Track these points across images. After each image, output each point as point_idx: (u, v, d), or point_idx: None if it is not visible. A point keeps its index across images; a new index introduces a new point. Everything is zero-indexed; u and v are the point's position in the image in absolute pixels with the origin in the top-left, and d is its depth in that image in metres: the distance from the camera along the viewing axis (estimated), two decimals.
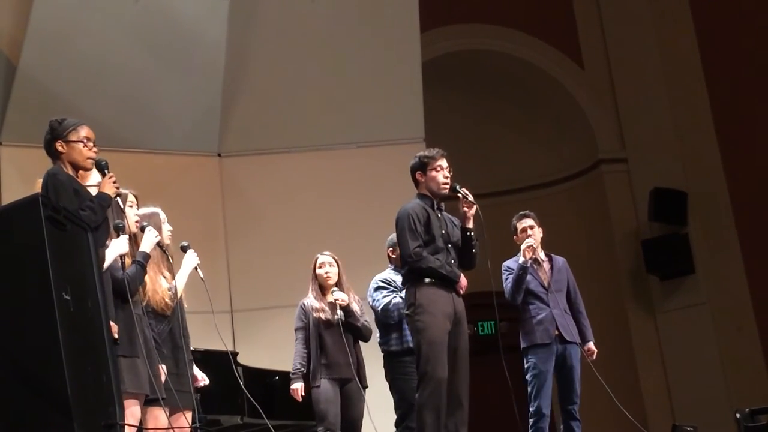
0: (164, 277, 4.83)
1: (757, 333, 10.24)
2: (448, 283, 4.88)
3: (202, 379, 5.20)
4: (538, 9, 11.36)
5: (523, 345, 5.79)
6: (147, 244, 4.58)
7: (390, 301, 5.70)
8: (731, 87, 10.70)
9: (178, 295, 4.85)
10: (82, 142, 4.14)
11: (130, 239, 4.45)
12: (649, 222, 10.78)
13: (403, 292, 5.61)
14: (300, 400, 5.58)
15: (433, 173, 4.99)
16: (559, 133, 11.46)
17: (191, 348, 5.14)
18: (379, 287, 5.80)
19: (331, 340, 5.59)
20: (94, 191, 4.14)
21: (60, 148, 4.12)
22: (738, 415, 6.53)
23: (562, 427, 5.72)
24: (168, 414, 4.56)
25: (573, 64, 11.40)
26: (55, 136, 4.14)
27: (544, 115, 11.48)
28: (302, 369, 5.59)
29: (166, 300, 4.74)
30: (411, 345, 5.54)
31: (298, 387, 5.57)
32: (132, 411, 4.21)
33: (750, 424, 6.39)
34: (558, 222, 11.05)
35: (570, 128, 11.41)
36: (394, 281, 5.77)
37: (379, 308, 5.73)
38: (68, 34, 8.27)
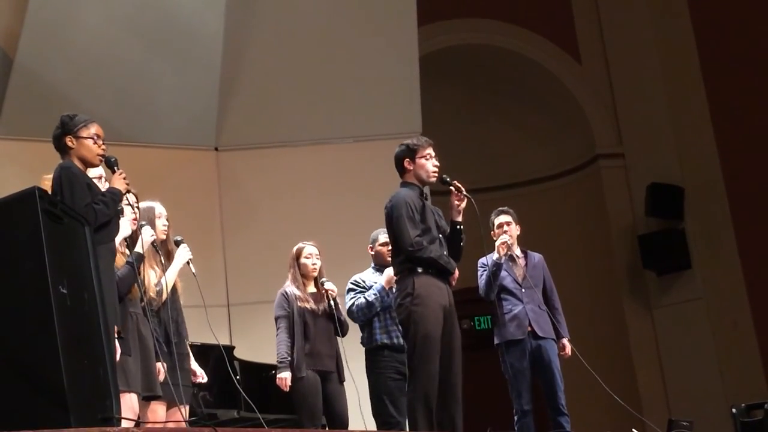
0: (154, 272, 4.82)
1: (753, 328, 10.25)
2: (444, 274, 4.79)
3: (201, 375, 5.18)
4: (536, 3, 11.35)
5: (496, 341, 5.80)
6: (141, 244, 4.59)
7: (353, 303, 5.72)
8: (728, 82, 10.69)
9: (166, 290, 4.84)
10: (92, 138, 4.18)
11: (126, 240, 4.47)
12: (646, 217, 10.78)
13: (368, 291, 5.63)
14: (287, 390, 5.43)
15: (422, 161, 4.87)
16: (557, 128, 11.46)
17: (189, 342, 5.14)
18: (350, 289, 5.82)
19: (315, 330, 5.53)
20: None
21: (70, 144, 4.16)
22: (734, 410, 6.54)
23: (551, 423, 5.72)
24: (165, 408, 4.56)
25: (570, 59, 11.40)
26: (65, 131, 4.18)
27: (541, 110, 11.47)
28: (288, 358, 5.46)
29: (151, 295, 4.74)
30: (380, 342, 5.62)
31: (286, 376, 5.42)
32: (129, 406, 4.21)
33: (746, 419, 6.39)
34: (555, 217, 11.08)
35: (567, 123, 11.40)
36: (364, 281, 5.78)
37: (346, 310, 5.76)
38: (65, 27, 8.25)
